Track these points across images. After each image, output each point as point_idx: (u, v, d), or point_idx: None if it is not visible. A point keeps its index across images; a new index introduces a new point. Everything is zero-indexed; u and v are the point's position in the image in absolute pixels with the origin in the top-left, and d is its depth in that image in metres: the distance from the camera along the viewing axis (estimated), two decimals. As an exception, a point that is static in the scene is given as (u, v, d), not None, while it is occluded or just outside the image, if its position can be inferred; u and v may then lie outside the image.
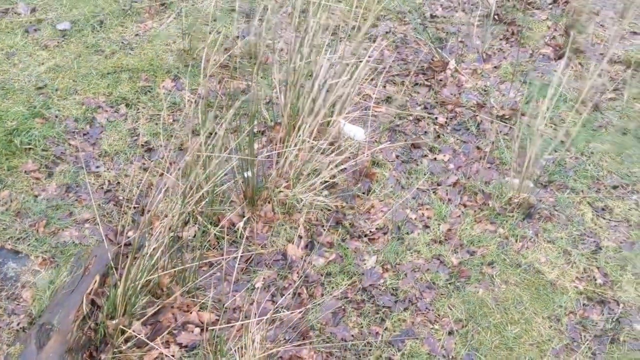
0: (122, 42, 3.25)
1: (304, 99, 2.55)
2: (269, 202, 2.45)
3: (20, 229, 2.35)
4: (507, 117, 3.05)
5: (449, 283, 2.30)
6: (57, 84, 2.95)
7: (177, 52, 3.21)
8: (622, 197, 2.66)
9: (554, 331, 2.18)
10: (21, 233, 2.34)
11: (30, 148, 2.64)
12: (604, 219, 2.56)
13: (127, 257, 2.12)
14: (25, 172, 2.55)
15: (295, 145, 2.44)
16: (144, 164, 2.67)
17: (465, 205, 2.58)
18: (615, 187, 2.69)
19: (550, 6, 3.80)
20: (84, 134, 2.77)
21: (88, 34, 3.27)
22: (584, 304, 2.26)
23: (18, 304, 2.13)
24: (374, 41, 3.46)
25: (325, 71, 2.62)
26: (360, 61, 2.63)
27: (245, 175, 2.47)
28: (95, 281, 2.10)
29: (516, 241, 2.46)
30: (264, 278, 2.27)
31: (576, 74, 3.33)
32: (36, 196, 2.48)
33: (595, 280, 2.34)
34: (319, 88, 2.55)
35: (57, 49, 3.16)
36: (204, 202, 2.37)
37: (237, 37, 3.28)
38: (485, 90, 3.23)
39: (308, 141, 2.45)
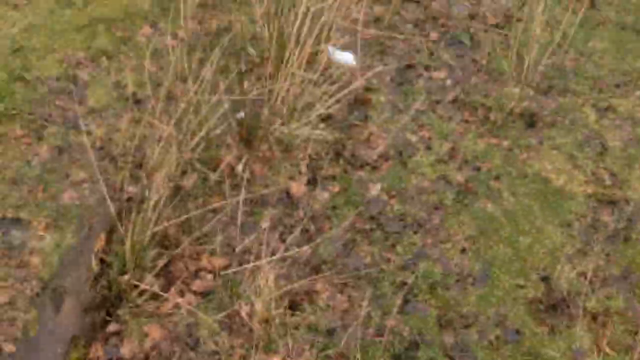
0: (94, -8, 3.10)
1: (288, 29, 2.45)
2: (265, 142, 2.40)
3: (19, 196, 2.32)
4: (501, 25, 2.94)
5: (457, 201, 2.28)
6: (33, 44, 2.84)
7: (152, -5, 3.07)
8: (625, 94, 2.59)
9: (566, 237, 2.17)
10: (20, 200, 2.30)
11: (15, 114, 2.56)
12: (608, 119, 2.51)
13: (131, 212, 2.09)
14: (15, 138, 2.49)
15: (285, 80, 2.36)
16: (133, 116, 2.60)
17: (466, 121, 2.53)
18: (617, 86, 2.63)
19: None
20: (68, 92, 2.69)
21: (57, -13, 3.12)
22: (593, 207, 2.25)
23: (28, 271, 2.12)
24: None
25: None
26: (343, -17, 2.51)
27: (238, 116, 2.40)
28: (102, 239, 2.08)
29: (521, 152, 2.42)
30: (270, 218, 2.25)
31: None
32: (29, 162, 2.43)
33: (604, 181, 2.31)
34: (303, 16, 2.45)
35: (27, 7, 3.02)
36: (199, 148, 2.32)
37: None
38: (476, 0, 3.10)
39: (298, 74, 2.37)
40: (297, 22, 2.43)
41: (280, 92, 2.37)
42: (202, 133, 2.23)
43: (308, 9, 2.50)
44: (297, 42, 2.45)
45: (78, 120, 2.58)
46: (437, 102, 2.62)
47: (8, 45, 2.83)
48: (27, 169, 2.39)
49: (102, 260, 2.04)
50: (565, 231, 2.19)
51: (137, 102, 2.67)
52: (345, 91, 2.52)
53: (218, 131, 2.40)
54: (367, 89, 2.66)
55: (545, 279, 2.07)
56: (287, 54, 2.43)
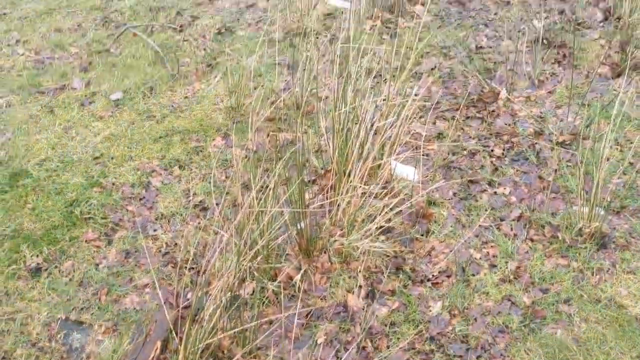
0: (172, 106, 3.33)
1: (351, 143, 2.51)
2: (324, 253, 2.39)
3: (84, 298, 2.38)
4: (567, 142, 2.90)
5: (523, 325, 2.15)
6: (113, 152, 3.04)
7: (225, 110, 3.26)
8: None
9: (646, 371, 1.99)
10: (84, 303, 2.36)
11: (89, 217, 2.69)
12: (688, 242, 2.36)
13: (187, 320, 2.09)
14: (86, 241, 2.60)
15: (347, 192, 2.38)
16: (199, 223, 2.68)
17: (532, 240, 2.44)
18: (696, 207, 2.49)
19: (601, 24, 3.67)
20: (140, 199, 2.82)
21: (139, 101, 3.37)
22: (677, 339, 2.06)
23: (84, 375, 2.13)
24: (419, 79, 3.41)
25: (371, 114, 2.58)
26: (407, 100, 2.58)
27: (299, 226, 2.42)
28: (157, 348, 2.08)
29: (592, 274, 2.29)
30: (325, 333, 2.19)
31: (638, 91, 3.15)
32: (97, 264, 2.51)
33: (687, 311, 2.14)
34: (366, 132, 2.51)
35: (111, 118, 3.27)
36: (259, 258, 2.33)
37: (282, 89, 3.30)
38: (541, 117, 3.10)
39: (360, 186, 2.40)
40: (361, 136, 2.49)
41: (342, 203, 2.39)
42: (262, 242, 2.25)
43: (372, 124, 2.57)
44: (360, 155, 2.50)
45: (147, 225, 2.68)
46: (502, 219, 2.56)
47: (90, 153, 3.04)
48: (95, 272, 2.47)
49: (155, 369, 2.02)
50: (646, 364, 2.01)
51: (203, 209, 2.75)
52: (407, 204, 2.51)
53: (279, 240, 2.42)
54: (430, 203, 2.64)
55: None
56: (349, 167, 2.47)
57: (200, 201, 2.79)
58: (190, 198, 2.81)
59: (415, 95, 2.79)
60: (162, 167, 2.97)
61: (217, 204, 2.74)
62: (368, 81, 2.78)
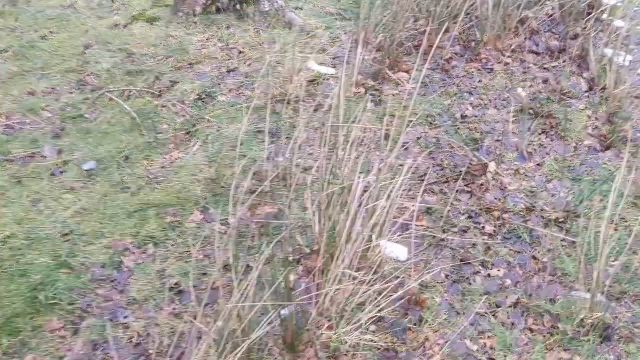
0: (148, 177, 3.17)
1: (340, 226, 2.38)
2: (311, 346, 2.22)
3: (44, 398, 2.16)
4: (560, 220, 2.81)
5: None
6: (83, 229, 2.85)
7: (205, 181, 3.11)
8: None
9: None
10: (45, 404, 2.14)
11: (55, 303, 2.49)
12: (693, 332, 2.25)
13: None
14: (50, 331, 2.39)
15: (335, 279, 2.23)
16: (174, 309, 2.48)
17: (531, 330, 2.30)
18: (698, 292, 2.39)
19: (586, 94, 3.65)
20: (111, 281, 2.62)
21: (114, 172, 3.21)
22: None
23: None
24: (406, 149, 3.33)
25: (361, 192, 2.46)
26: (397, 179, 2.47)
27: (282, 314, 2.25)
28: None
29: (597, 369, 2.15)
30: None
31: (628, 165, 3.10)
32: (61, 358, 2.29)
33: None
34: (355, 212, 2.38)
35: (83, 190, 3.09)
36: (240, 352, 2.14)
37: (265, 158, 3.17)
38: (532, 192, 3.01)
39: (349, 274, 2.25)
40: (350, 217, 2.36)
41: (329, 291, 2.24)
42: (244, 338, 2.07)
43: (360, 203, 2.44)
44: (349, 237, 2.36)
45: (117, 311, 2.48)
46: (498, 305, 2.42)
47: (59, 229, 2.85)
48: (58, 368, 2.26)
49: None
50: None
51: (179, 292, 2.57)
52: (400, 292, 2.36)
53: (261, 332, 2.24)
54: (422, 286, 2.50)
55: None
56: (337, 250, 2.33)
57: (176, 283, 2.60)
58: (165, 280, 2.62)
59: (407, 170, 2.68)
60: (136, 245, 2.78)
61: (194, 287, 2.56)
62: (354, 152, 2.67)
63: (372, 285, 2.33)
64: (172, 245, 2.78)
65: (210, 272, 2.63)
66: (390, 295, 2.33)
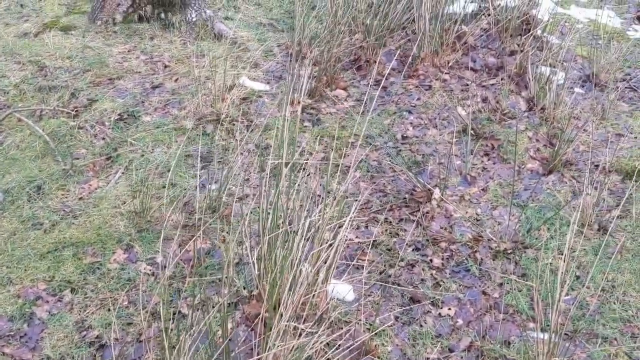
0: (64, 210, 2.83)
1: (282, 275, 2.16)
2: (254, 411, 2.00)
3: None
4: (509, 251, 2.71)
5: None
6: (-13, 275, 2.49)
7: (128, 215, 2.81)
8: (660, 338, 2.30)
9: None
10: None
11: (-49, 369, 2.14)
12: (647, 372, 2.19)
13: None
14: (-55, 404, 2.04)
15: (279, 334, 2.02)
16: (95, 369, 2.19)
17: (488, 379, 2.18)
18: (649, 328, 2.34)
19: (525, 114, 3.60)
20: (21, 337, 2.29)
21: (24, 205, 2.85)
22: None
23: None
24: (346, 173, 3.15)
25: (305, 231, 2.26)
26: (344, 219, 2.28)
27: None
28: None
29: (556, 419, 2.05)
30: None
31: (572, 189, 3.06)
32: None
33: None
34: (300, 255, 2.18)
35: (-13, 227, 2.72)
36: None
37: (195, 187, 2.90)
38: (478, 220, 2.91)
39: (295, 325, 2.04)
40: (295, 260, 2.16)
41: (273, 347, 2.02)
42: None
43: (302, 251, 2.24)
44: (294, 281, 2.16)
45: (27, 376, 2.16)
46: (451, 349, 2.28)
47: (-43, 276, 2.48)
48: None
49: None
50: None
51: (101, 347, 2.28)
52: (350, 342, 2.17)
53: (197, 396, 2.00)
54: (370, 330, 2.32)
55: None
56: (281, 297, 2.12)
57: (97, 337, 2.31)
58: (85, 333, 2.32)
59: (355, 208, 2.50)
60: (50, 292, 2.46)
61: (117, 340, 2.28)
62: (293, 177, 2.47)
63: (319, 336, 2.13)
64: (92, 290, 2.48)
65: (137, 322, 2.36)
66: (339, 347, 2.14)
